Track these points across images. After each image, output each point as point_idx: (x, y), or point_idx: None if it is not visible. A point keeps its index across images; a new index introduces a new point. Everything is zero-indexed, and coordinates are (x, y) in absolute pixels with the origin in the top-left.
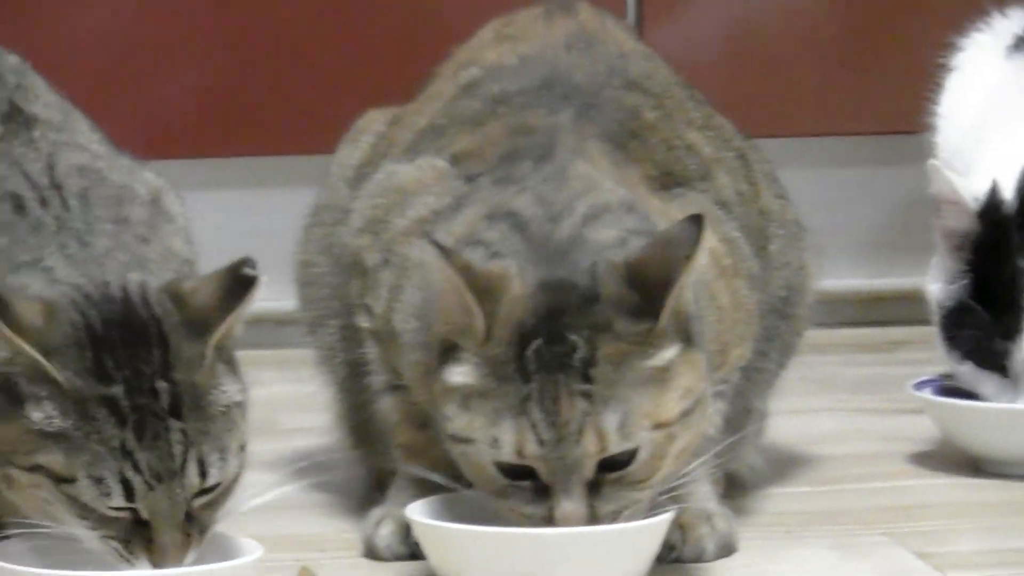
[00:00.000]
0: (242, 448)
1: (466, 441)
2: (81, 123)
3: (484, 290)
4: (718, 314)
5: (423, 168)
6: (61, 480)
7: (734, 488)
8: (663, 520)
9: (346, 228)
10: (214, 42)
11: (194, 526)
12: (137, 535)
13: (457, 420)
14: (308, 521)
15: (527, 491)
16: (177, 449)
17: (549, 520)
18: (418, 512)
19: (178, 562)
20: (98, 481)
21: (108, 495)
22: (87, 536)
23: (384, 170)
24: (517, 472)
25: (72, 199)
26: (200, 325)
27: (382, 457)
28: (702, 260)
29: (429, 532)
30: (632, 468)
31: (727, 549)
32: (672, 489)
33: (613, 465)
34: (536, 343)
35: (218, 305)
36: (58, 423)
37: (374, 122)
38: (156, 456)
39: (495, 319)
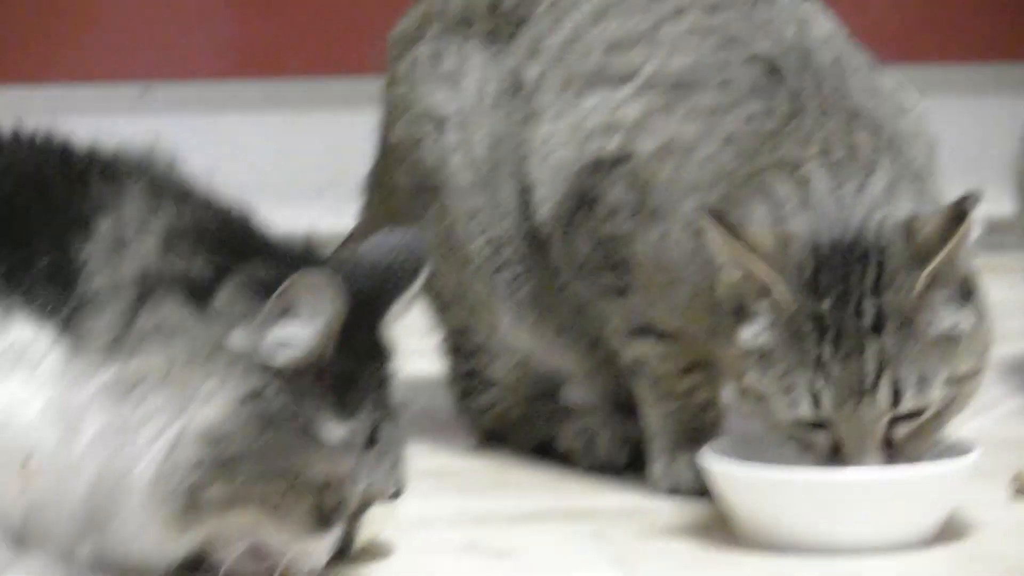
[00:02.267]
0: (957, 380)
1: None
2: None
3: None
4: None
5: None
6: (758, 398)
7: None
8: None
9: None
10: None
11: (897, 458)
12: (832, 462)
13: None
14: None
15: None
16: (870, 367)
17: None
18: None
19: None
20: (787, 391)
21: (796, 405)
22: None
23: None
24: None
25: (824, 71)
26: (919, 255)
27: None
28: None
29: None
30: None
31: None
32: None
33: None
34: None
35: (938, 236)
36: (763, 339)
37: None
38: (848, 371)
39: None
